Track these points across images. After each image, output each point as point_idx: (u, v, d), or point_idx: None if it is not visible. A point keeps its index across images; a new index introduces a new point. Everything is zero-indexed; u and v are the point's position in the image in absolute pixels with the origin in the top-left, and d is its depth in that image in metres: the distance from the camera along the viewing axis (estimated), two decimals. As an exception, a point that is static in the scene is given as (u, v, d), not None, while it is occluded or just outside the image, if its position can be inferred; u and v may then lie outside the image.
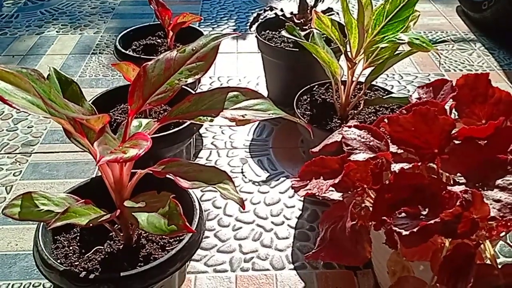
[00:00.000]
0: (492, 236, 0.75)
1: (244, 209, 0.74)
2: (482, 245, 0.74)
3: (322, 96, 1.32)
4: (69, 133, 0.78)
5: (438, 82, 0.81)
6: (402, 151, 0.73)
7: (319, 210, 1.23)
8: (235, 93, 0.80)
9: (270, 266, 1.09)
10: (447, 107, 0.87)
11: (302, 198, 1.27)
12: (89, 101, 1.25)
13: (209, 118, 0.76)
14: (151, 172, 0.77)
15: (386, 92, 1.30)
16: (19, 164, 1.40)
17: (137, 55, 1.51)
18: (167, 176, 0.73)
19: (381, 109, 1.25)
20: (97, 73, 1.89)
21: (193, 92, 1.28)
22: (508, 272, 0.67)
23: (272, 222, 1.21)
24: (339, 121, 1.21)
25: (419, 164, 0.71)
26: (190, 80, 0.78)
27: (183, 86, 0.79)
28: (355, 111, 1.23)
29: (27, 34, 2.21)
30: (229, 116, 0.76)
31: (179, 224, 0.67)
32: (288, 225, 1.20)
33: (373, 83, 1.28)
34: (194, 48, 0.80)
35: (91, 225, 0.72)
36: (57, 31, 2.24)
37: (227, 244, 1.15)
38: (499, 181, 0.67)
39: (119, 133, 0.86)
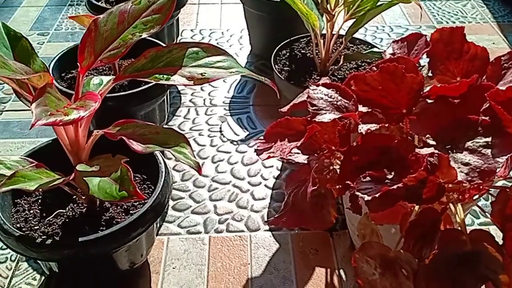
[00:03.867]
0: (465, 199, 0.72)
1: (200, 174, 0.70)
2: (453, 209, 0.71)
3: (302, 51, 1.26)
4: (18, 93, 0.73)
5: (412, 37, 0.76)
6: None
7: (298, 169, 1.20)
8: (195, 49, 0.74)
9: (245, 228, 1.07)
10: (424, 62, 0.82)
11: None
12: (56, 56, 1.21)
13: (165, 77, 0.71)
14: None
15: (369, 46, 1.24)
16: (-10, 123, 1.36)
17: (109, 6, 1.44)
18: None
19: (363, 64, 1.19)
20: (74, 26, 1.81)
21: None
22: (476, 238, 0.64)
23: (249, 183, 1.18)
24: (318, 77, 1.16)
25: (386, 125, 0.67)
26: (144, 35, 0.73)
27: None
28: (336, 67, 1.17)
29: (3, -16, 2.12)
30: (187, 74, 0.71)
31: (130, 190, 0.64)
32: (266, 185, 1.17)
33: (358, 36, 1.22)
34: (150, 0, 0.74)
35: (41, 190, 0.69)
36: (33, -19, 2.14)
37: (202, 205, 1.12)
38: (469, 143, 0.62)
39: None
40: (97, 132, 0.75)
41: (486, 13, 1.87)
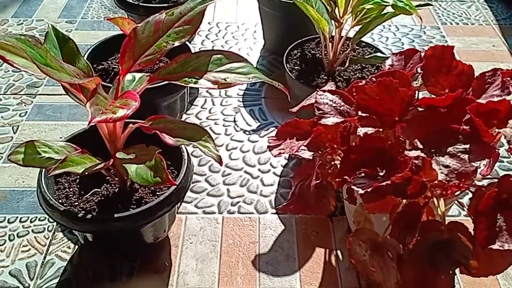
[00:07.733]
0: (447, 195, 0.84)
1: (221, 165, 0.82)
2: (436, 203, 0.83)
3: (312, 52, 1.36)
4: (66, 88, 0.85)
5: (409, 52, 0.87)
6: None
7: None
8: (219, 56, 0.86)
9: (254, 210, 1.19)
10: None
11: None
12: (89, 49, 1.32)
13: (193, 80, 0.82)
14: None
15: (374, 49, 1.34)
16: (25, 105, 1.48)
17: (136, 2, 1.55)
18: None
19: (367, 66, 1.30)
20: (99, 15, 1.92)
21: (189, 47, 1.33)
22: (452, 228, 0.76)
23: (259, 170, 1.30)
24: (326, 77, 1.27)
25: (381, 129, 0.78)
26: (177, 43, 0.84)
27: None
28: (342, 68, 1.28)
29: (31, -29, 2.22)
30: (212, 78, 0.82)
31: (163, 177, 0.76)
32: (274, 173, 1.29)
33: (364, 38, 1.32)
34: (181, 12, 0.85)
35: (86, 173, 0.81)
36: (60, -31, 2.24)
37: (217, 189, 1.24)
38: (450, 149, 0.74)
39: (113, 87, 0.93)
40: (133, 124, 0.87)
41: (489, 15, 1.95)
